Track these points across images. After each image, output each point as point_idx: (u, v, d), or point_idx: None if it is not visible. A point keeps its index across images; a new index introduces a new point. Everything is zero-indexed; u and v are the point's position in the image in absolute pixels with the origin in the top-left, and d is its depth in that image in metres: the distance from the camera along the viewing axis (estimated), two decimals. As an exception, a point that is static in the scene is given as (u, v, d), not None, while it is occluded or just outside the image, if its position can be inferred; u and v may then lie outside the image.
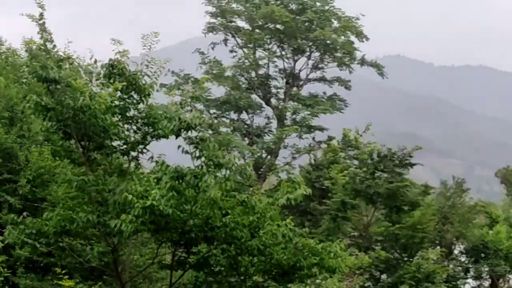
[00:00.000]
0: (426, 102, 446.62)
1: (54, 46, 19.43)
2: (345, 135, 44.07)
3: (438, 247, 45.66)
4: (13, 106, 32.03)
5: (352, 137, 44.08)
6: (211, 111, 51.22)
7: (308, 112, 50.59)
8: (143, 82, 19.00)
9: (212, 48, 52.68)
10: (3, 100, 32.08)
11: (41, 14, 19.14)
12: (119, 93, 18.83)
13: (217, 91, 51.63)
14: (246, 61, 51.77)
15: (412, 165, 41.97)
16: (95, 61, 19.02)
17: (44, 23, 19.27)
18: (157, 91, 19.93)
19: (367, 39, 52.21)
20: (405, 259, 41.37)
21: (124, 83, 18.68)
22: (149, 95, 19.14)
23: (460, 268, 51.12)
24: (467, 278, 52.29)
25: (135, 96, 19.10)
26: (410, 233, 40.84)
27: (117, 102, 18.59)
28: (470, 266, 51.82)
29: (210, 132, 45.25)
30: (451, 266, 48.95)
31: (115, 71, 18.70)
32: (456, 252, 52.68)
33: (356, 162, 43.40)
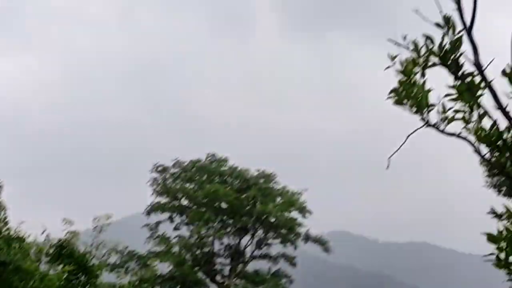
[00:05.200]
0: (372, 278, 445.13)
1: (6, 223, 19.41)
2: None
3: None
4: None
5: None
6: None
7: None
8: (92, 263, 18.99)
9: (156, 226, 53.02)
10: None
11: None
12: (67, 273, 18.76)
13: (162, 266, 51.36)
14: (191, 238, 52.00)
15: None
16: (48, 241, 19.00)
17: None
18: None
19: (310, 213, 53.17)
20: None
21: (72, 267, 18.65)
22: (97, 277, 19.12)
23: None
24: None
25: (83, 278, 19.04)
26: None
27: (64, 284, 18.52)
28: None
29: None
30: None
31: (63, 252, 18.72)
32: None
33: None
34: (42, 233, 19.13)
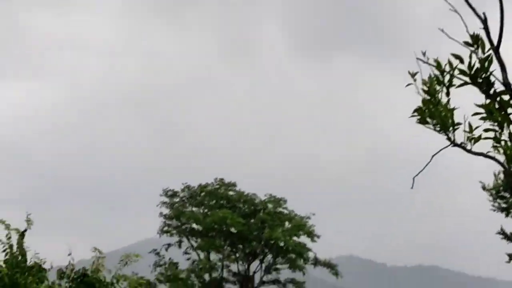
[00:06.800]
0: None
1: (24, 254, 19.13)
2: None
3: None
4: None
5: None
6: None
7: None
8: None
9: (166, 250, 52.94)
10: None
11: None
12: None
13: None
14: (200, 264, 51.85)
15: None
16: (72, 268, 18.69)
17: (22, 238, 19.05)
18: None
19: (318, 237, 52.93)
20: None
21: None
22: None
23: None
24: None
25: None
26: None
27: None
28: None
29: None
30: None
31: (86, 279, 18.34)
32: None
33: None
34: (67, 255, 18.71)
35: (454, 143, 6.28)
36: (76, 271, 18.44)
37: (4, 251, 18.80)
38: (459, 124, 6.25)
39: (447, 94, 6.23)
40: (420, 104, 6.46)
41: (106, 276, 18.42)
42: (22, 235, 18.71)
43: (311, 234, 52.83)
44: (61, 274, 18.52)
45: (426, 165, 6.20)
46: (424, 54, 6.28)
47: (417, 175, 6.24)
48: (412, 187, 6.25)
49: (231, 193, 54.11)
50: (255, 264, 53.54)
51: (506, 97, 5.52)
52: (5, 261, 18.66)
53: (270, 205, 53.72)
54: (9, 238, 18.91)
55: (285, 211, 53.93)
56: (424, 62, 6.11)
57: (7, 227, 18.88)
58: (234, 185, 54.60)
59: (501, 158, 5.71)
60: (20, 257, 18.55)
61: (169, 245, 53.26)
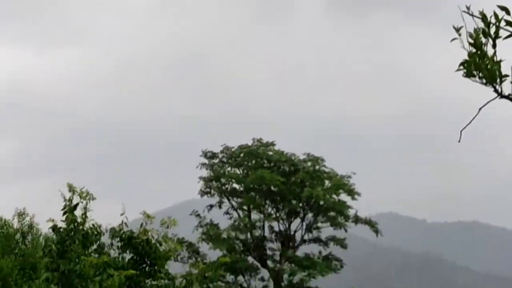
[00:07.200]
0: (421, 259, 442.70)
1: (84, 212, 19.30)
2: None
3: None
4: (5, 276, 32.09)
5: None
6: (206, 274, 51.00)
7: (305, 274, 50.54)
8: (158, 254, 18.91)
9: (208, 211, 53.43)
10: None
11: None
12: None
13: (213, 253, 51.71)
14: (241, 223, 52.27)
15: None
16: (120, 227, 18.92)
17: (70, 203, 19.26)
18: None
19: (359, 195, 52.94)
20: None
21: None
22: (160, 271, 19.04)
23: None
24: None
25: (147, 268, 19.03)
26: None
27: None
28: None
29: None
30: None
31: (133, 241, 18.55)
32: None
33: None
34: (121, 214, 18.94)
35: (501, 95, 6.26)
36: (124, 231, 18.77)
37: (63, 209, 19.10)
38: (506, 76, 6.23)
39: (494, 46, 6.21)
40: (463, 57, 6.44)
41: (153, 236, 18.73)
42: (74, 207, 19.02)
43: (351, 192, 52.87)
44: (114, 233, 18.87)
45: (473, 118, 6.18)
46: (468, 8, 6.25)
47: (464, 128, 6.23)
48: (459, 141, 6.25)
49: (270, 153, 54.17)
50: (296, 223, 53.83)
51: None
52: (54, 229, 18.99)
53: (309, 164, 53.68)
54: (71, 201, 19.27)
55: (325, 170, 53.87)
56: (470, 14, 6.08)
57: (74, 191, 19.22)
58: (272, 144, 54.63)
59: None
60: (74, 224, 18.87)
61: (211, 206, 53.74)
